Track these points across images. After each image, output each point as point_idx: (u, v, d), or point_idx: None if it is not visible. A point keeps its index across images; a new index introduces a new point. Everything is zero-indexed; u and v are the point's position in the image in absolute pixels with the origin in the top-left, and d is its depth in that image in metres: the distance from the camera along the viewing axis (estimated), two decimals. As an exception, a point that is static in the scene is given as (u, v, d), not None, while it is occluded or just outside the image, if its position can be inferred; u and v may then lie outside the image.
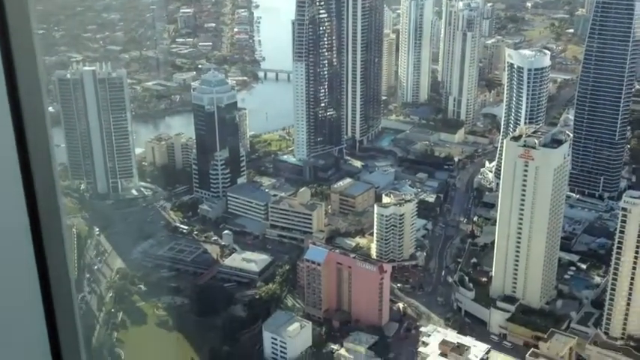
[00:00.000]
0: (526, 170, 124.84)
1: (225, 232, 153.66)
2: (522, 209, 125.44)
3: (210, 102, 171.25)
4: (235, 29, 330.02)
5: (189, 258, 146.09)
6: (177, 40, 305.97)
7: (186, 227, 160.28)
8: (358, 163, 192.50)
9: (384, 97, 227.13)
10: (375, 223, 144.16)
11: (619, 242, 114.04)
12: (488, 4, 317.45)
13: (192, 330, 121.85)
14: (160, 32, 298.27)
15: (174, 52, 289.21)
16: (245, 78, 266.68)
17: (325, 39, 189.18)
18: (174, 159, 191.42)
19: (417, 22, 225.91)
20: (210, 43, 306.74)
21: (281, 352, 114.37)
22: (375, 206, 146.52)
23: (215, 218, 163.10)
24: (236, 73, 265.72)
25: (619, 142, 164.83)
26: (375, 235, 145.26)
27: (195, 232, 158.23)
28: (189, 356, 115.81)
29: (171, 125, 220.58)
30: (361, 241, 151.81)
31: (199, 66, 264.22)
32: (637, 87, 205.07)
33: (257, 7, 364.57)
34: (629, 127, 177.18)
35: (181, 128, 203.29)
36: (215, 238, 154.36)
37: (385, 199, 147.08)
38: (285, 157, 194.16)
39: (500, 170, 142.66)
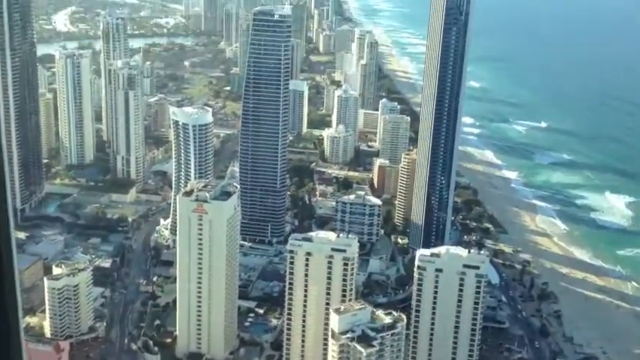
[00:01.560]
0: (200, 224, 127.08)
1: None
2: (200, 263, 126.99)
3: None
4: None
5: None
6: None
7: None
8: (22, 234, 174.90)
9: (45, 160, 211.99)
10: (47, 298, 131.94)
11: (290, 283, 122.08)
12: (147, 63, 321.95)
13: None
14: None
15: None
16: None
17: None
18: None
19: (74, 80, 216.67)
20: None
21: None
22: (45, 279, 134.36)
23: None
24: None
25: (281, 190, 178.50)
26: (47, 311, 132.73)
27: None
28: None
29: None
30: (32, 320, 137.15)
31: None
32: (290, 138, 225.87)
33: None
34: (287, 175, 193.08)
35: None
36: None
37: (56, 271, 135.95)
38: None
39: (175, 227, 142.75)
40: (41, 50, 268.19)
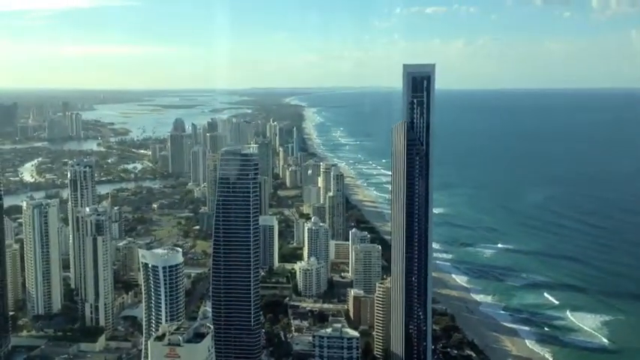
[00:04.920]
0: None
1: None
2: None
3: None
4: None
5: None
6: None
7: None
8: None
9: (11, 313, 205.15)
10: None
11: None
12: (115, 208, 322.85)
13: None
14: None
15: None
16: None
17: None
18: None
19: (41, 229, 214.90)
20: None
21: None
22: None
23: None
24: None
25: (255, 328, 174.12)
26: None
27: None
28: None
29: None
30: None
31: None
32: (262, 273, 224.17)
33: None
34: (261, 312, 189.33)
35: None
36: None
37: None
38: None
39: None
40: (8, 202, 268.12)
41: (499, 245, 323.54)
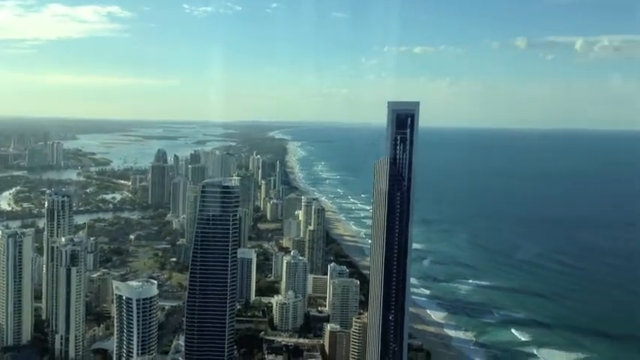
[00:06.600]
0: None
1: None
2: None
3: None
4: None
5: None
6: None
7: None
8: None
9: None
10: None
11: None
12: (92, 238, 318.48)
13: None
14: None
15: None
16: None
17: None
18: None
19: (15, 259, 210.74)
20: None
21: None
22: None
23: None
24: None
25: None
26: None
27: None
28: None
29: None
30: None
31: None
32: (238, 307, 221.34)
33: None
34: (235, 347, 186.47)
35: None
36: None
37: None
38: None
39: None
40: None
41: (476, 281, 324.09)
